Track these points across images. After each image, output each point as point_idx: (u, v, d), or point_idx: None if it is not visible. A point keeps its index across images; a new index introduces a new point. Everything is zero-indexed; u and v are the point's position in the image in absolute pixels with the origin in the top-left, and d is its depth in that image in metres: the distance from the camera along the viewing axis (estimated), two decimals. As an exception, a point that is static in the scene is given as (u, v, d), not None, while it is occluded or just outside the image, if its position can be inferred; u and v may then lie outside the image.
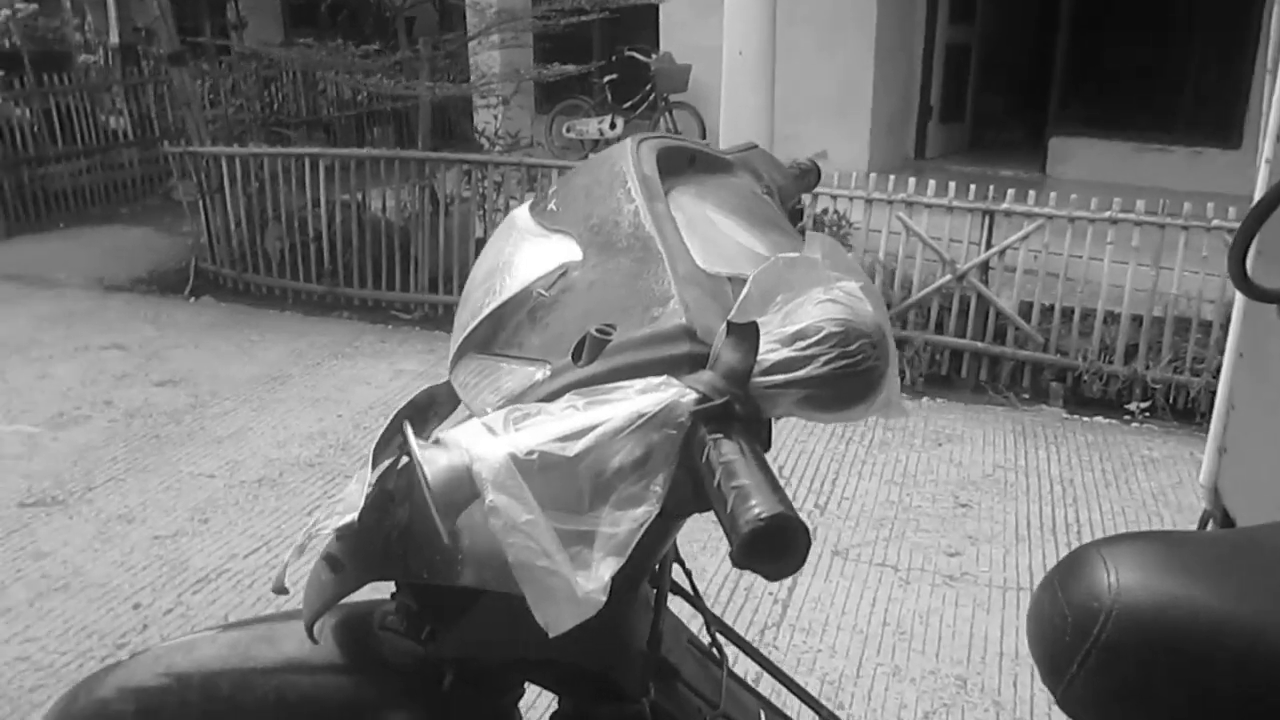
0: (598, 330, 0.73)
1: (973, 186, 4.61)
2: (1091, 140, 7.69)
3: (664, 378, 0.67)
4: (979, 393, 4.56)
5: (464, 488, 0.61)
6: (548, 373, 0.75)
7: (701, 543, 3.15)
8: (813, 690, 2.50)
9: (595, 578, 0.62)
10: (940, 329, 4.69)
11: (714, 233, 0.89)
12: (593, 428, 0.64)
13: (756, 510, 0.58)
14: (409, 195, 5.72)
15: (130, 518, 3.34)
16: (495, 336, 0.84)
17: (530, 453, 0.62)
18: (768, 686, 1.48)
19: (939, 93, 8.54)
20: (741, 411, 0.65)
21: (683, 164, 0.98)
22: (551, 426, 0.64)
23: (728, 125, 5.64)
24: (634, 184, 0.85)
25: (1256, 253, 1.61)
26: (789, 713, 1.31)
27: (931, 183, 4.70)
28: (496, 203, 5.56)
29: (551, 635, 0.61)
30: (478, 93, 7.04)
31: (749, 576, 3.00)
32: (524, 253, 0.88)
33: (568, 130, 8.98)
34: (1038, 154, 8.10)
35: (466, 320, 0.90)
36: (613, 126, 8.71)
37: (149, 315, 5.57)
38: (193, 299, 5.94)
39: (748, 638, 2.75)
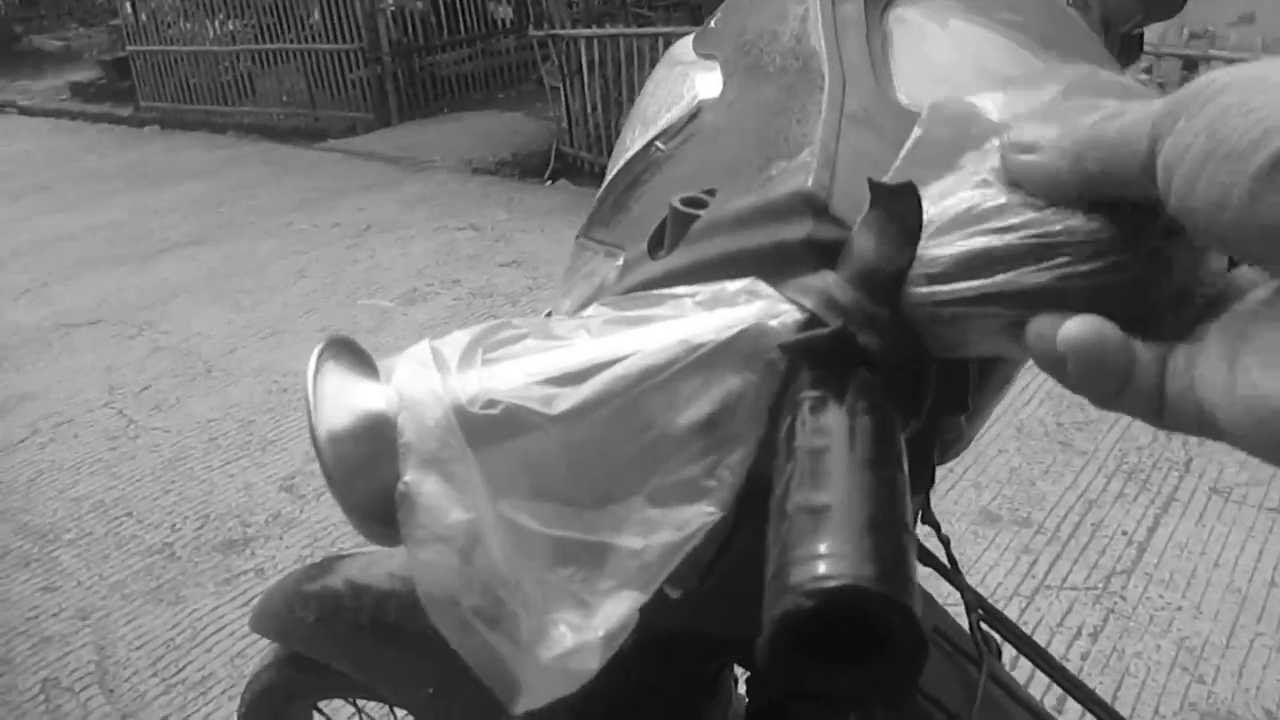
0: (683, 201, 0.45)
1: None
2: None
3: (747, 281, 0.38)
4: None
5: (389, 458, 0.37)
6: (620, 267, 0.49)
7: (1042, 466, 2.72)
8: (1165, 657, 2.07)
9: (589, 626, 0.36)
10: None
11: (952, 56, 0.57)
12: (606, 365, 0.36)
13: (820, 568, 0.29)
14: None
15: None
16: (598, 213, 0.58)
17: (491, 404, 0.36)
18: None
19: None
20: (877, 348, 0.36)
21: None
22: (541, 361, 0.37)
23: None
24: (814, -25, 0.54)
25: None
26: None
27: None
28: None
29: (513, 713, 0.36)
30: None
31: (1101, 507, 2.55)
32: (663, 93, 0.61)
33: None
34: None
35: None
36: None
37: (505, 198, 5.73)
38: (550, 182, 6.05)
39: (1089, 584, 2.35)
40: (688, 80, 0.58)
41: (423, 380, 0.37)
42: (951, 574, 0.91)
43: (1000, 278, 0.35)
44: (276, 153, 7.62)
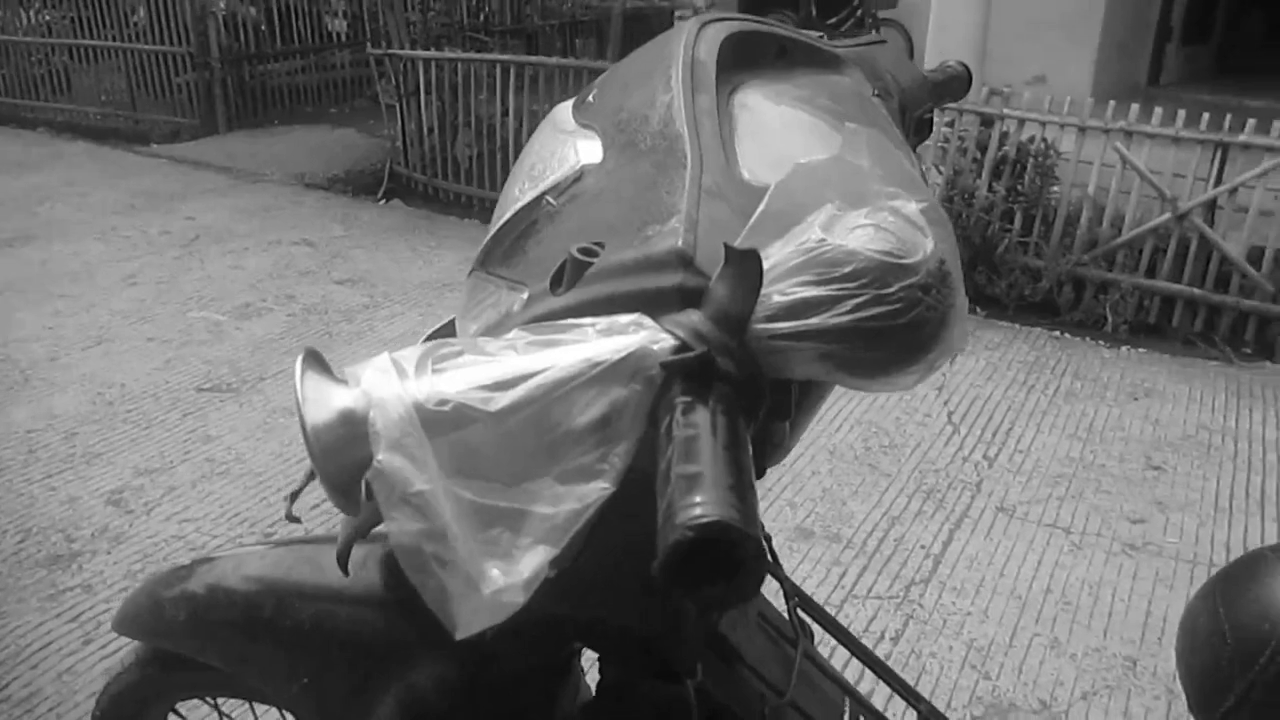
0: (580, 250, 0.58)
1: (1205, 116, 4.10)
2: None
3: (635, 316, 0.51)
4: (1190, 345, 4.13)
5: (357, 443, 0.48)
6: (525, 300, 0.61)
7: (851, 487, 2.96)
8: (957, 656, 2.31)
9: (514, 571, 0.48)
10: (1152, 273, 4.25)
11: (782, 139, 0.72)
12: (529, 376, 0.49)
13: (696, 511, 0.42)
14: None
15: (294, 410, 3.42)
16: (494, 251, 0.70)
17: (443, 402, 0.48)
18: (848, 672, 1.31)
19: (1182, 10, 7.65)
20: (730, 369, 0.49)
21: (768, 54, 0.80)
22: (479, 371, 0.50)
23: (935, 45, 5.30)
24: (678, 71, 0.68)
25: None
26: (881, 702, 1.14)
27: (1158, 110, 4.20)
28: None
29: (457, 637, 0.48)
30: (676, 4, 6.86)
31: (902, 524, 2.80)
32: (547, 154, 0.73)
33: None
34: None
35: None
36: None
37: (339, 214, 5.71)
38: (383, 201, 6.06)
39: (891, 593, 2.59)
40: (571, 145, 0.71)
41: (387, 384, 0.48)
42: (772, 567, 1.06)
43: (815, 320, 0.49)
44: (99, 153, 7.33)
